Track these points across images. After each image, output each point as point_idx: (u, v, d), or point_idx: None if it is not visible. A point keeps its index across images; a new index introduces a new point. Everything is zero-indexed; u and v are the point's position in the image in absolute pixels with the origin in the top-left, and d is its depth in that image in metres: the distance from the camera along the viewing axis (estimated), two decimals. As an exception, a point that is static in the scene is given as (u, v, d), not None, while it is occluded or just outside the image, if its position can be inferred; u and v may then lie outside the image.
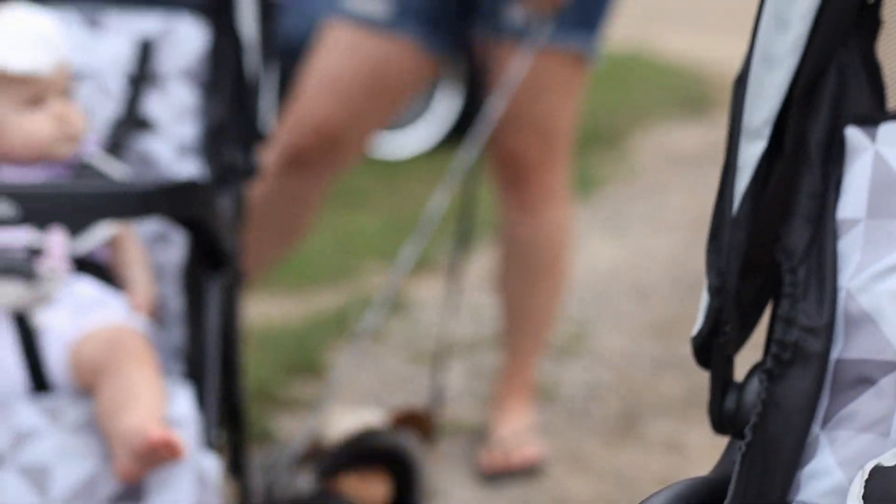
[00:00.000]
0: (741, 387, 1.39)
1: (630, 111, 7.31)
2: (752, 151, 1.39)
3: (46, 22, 2.24)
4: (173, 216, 1.96)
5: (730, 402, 1.39)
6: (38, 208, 1.88)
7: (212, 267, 2.19)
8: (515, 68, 2.86)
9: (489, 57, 2.98)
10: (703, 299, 1.40)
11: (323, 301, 4.39)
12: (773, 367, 1.36)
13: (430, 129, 6.65)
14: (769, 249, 1.38)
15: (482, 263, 4.93)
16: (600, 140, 6.31)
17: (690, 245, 4.89)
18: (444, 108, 6.19)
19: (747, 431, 1.35)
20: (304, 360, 3.83)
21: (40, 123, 2.23)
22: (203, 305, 2.20)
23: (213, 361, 2.13)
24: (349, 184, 4.96)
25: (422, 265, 4.80)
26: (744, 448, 1.35)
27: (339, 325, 4.12)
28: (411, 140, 6.21)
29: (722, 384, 1.39)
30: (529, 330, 3.26)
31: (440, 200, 2.90)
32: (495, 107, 2.91)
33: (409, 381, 3.71)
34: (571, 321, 4.09)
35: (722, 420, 1.40)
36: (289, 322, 4.12)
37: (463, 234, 3.03)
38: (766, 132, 1.39)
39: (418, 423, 3.06)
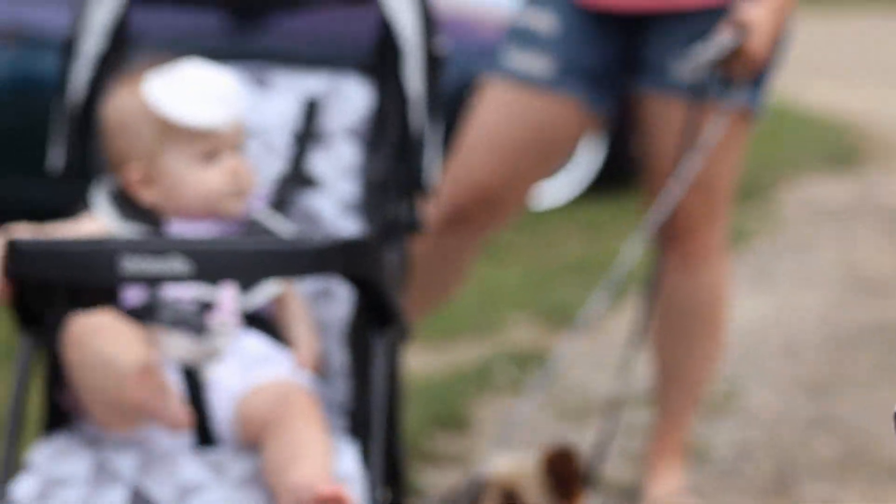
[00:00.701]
0: None
1: (777, 164, 7.23)
2: None
3: (225, 78, 2.28)
4: (345, 274, 1.97)
5: None
6: (212, 265, 1.90)
7: (379, 323, 2.19)
8: (710, 129, 2.83)
9: (650, 112, 2.96)
10: None
11: (466, 354, 4.38)
12: None
13: (572, 180, 6.63)
14: None
15: (627, 317, 4.88)
16: (747, 193, 6.24)
17: (840, 301, 4.80)
18: (587, 160, 6.17)
19: None
20: (448, 413, 3.82)
21: (214, 178, 2.26)
22: (369, 362, 2.20)
23: (379, 418, 2.13)
24: (491, 235, 4.96)
25: (564, 319, 4.77)
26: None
27: (482, 379, 4.10)
28: (553, 191, 6.20)
29: None
30: (685, 389, 3.20)
31: (633, 250, 2.86)
32: (692, 168, 2.88)
33: (553, 438, 3.67)
34: (721, 378, 4.03)
35: None
36: (432, 375, 4.12)
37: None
38: None
39: (566, 465, 2.98)
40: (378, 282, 2.07)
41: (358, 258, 1.98)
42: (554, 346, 4.49)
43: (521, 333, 4.61)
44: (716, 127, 2.84)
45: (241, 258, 1.89)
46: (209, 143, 2.26)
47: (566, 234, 6.18)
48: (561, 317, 4.76)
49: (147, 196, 2.29)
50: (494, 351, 4.37)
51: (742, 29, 2.80)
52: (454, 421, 3.76)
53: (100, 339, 2.10)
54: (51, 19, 5.61)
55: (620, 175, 6.88)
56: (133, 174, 2.29)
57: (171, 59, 2.30)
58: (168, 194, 2.28)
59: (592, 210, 6.50)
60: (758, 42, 2.80)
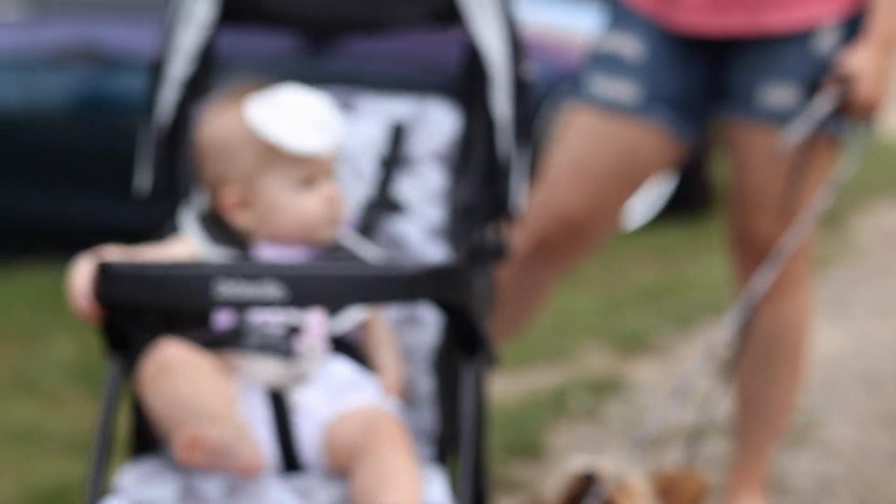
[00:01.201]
0: None
1: (851, 190, 7.13)
2: None
3: (324, 104, 2.27)
4: (436, 300, 1.95)
5: None
6: (306, 291, 1.88)
7: (468, 350, 2.17)
8: (800, 158, 2.80)
9: (738, 139, 2.92)
10: None
11: (540, 380, 4.35)
12: None
13: (643, 206, 6.59)
14: None
15: (700, 344, 4.83)
16: (822, 220, 6.16)
17: (918, 331, 4.72)
18: (658, 185, 6.12)
19: None
20: (522, 440, 3.79)
21: (312, 205, 2.25)
22: (457, 389, 2.18)
23: (468, 447, 2.10)
24: (577, 263, 4.94)
25: (637, 345, 4.73)
26: None
27: (556, 405, 4.07)
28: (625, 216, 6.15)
29: None
30: (766, 419, 3.15)
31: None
32: (822, 202, 2.85)
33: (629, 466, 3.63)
34: (799, 409, 3.97)
35: None
36: (506, 402, 4.09)
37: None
38: None
39: (683, 490, 2.92)
40: (468, 308, 2.05)
41: (449, 284, 1.96)
42: (628, 373, 4.45)
43: (594, 360, 4.57)
44: (806, 155, 2.81)
45: (335, 284, 1.88)
46: (308, 169, 2.25)
47: (637, 259, 6.14)
48: (634, 344, 4.72)
49: (242, 220, 2.28)
50: (568, 378, 4.34)
51: (847, 82, 2.76)
52: (528, 448, 3.73)
53: (178, 377, 2.09)
54: (128, 40, 5.67)
55: (690, 200, 6.84)
56: (230, 197, 2.28)
57: (264, 83, 2.30)
58: (264, 218, 2.27)
59: (663, 236, 6.45)
60: (867, 88, 2.76)
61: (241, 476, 2.09)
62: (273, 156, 2.25)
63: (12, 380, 4.20)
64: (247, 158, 2.26)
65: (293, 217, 2.26)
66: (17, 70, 5.67)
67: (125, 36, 5.70)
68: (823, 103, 2.76)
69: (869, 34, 2.79)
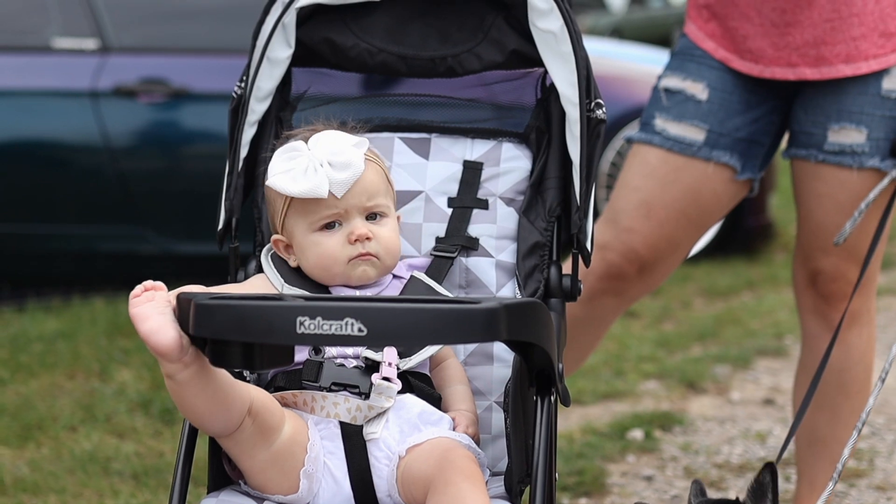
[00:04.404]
0: None
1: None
2: None
3: (339, 146, 2.30)
4: (512, 338, 1.97)
5: None
6: (386, 330, 1.90)
7: (541, 387, 2.20)
8: (868, 197, 2.83)
9: (806, 178, 2.95)
10: None
11: (598, 415, 4.37)
12: None
13: (706, 243, 6.59)
14: None
15: (758, 382, 4.83)
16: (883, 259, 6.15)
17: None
18: (721, 223, 6.13)
19: None
20: (582, 474, 3.80)
21: (332, 245, 2.31)
22: (530, 425, 2.20)
23: (541, 483, 2.12)
24: (642, 300, 4.96)
25: (693, 382, 4.74)
26: None
27: (615, 441, 4.09)
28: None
29: None
30: (827, 454, 3.16)
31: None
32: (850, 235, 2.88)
33: (681, 501, 3.64)
34: (858, 446, 3.97)
35: None
36: (564, 435, 4.11)
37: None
38: None
39: None
40: (542, 346, 2.07)
41: (525, 322, 1.98)
42: (684, 409, 4.46)
43: (652, 397, 4.58)
44: (874, 194, 2.83)
45: (414, 323, 1.90)
46: (325, 212, 2.30)
47: (688, 296, 6.14)
48: (689, 380, 4.73)
49: (293, 263, 2.36)
50: (626, 413, 4.35)
51: None
52: (588, 483, 3.75)
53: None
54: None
55: (751, 239, 6.84)
56: (278, 241, 2.38)
57: (331, 125, 2.36)
58: (301, 262, 2.34)
59: (709, 274, 6.46)
60: None
61: (149, 343, 2.03)
62: (294, 202, 2.32)
63: (81, 410, 4.26)
64: (277, 203, 2.35)
65: (316, 258, 2.31)
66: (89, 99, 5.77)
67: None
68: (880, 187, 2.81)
69: None
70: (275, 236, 2.38)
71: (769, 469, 2.22)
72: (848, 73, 2.84)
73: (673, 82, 2.98)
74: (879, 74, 2.85)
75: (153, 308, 2.02)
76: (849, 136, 2.86)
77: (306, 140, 2.32)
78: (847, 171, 2.87)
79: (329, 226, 2.32)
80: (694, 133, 2.93)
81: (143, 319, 2.01)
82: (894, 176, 2.83)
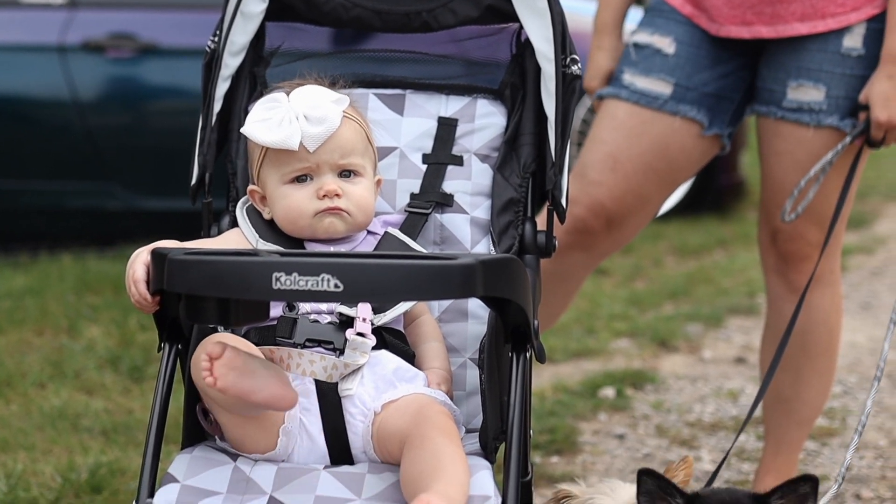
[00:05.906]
0: None
1: (876, 191, 7.15)
2: None
3: (315, 100, 2.28)
4: (488, 294, 1.97)
5: None
6: (362, 285, 1.89)
7: (517, 344, 2.19)
8: (829, 157, 2.84)
9: (767, 135, 2.96)
10: None
11: (569, 374, 4.38)
12: None
13: (675, 200, 6.60)
14: None
15: (730, 341, 4.85)
16: (850, 220, 6.19)
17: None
18: (691, 180, 6.13)
19: None
20: (554, 432, 3.81)
21: (301, 199, 2.29)
22: (506, 382, 2.20)
23: (516, 439, 2.13)
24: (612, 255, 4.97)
25: (665, 341, 4.75)
26: None
27: (586, 399, 4.10)
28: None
29: None
30: (794, 414, 3.18)
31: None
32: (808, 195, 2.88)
33: (653, 459, 3.66)
34: (830, 405, 4.00)
35: None
36: (536, 393, 4.12)
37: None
38: None
39: None
40: (518, 302, 2.07)
41: (501, 278, 1.98)
42: (656, 368, 4.47)
43: (623, 355, 4.60)
44: (835, 154, 2.83)
45: (391, 279, 1.89)
46: (297, 165, 2.29)
47: (660, 254, 6.15)
48: (661, 338, 4.75)
49: (266, 215, 2.35)
50: (598, 371, 4.36)
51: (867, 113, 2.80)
52: (560, 441, 3.76)
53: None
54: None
55: (722, 197, 6.85)
56: (254, 192, 2.36)
57: (320, 81, 2.34)
58: (272, 214, 2.33)
59: (680, 232, 6.47)
60: (887, 113, 2.79)
61: (272, 408, 2.09)
62: (269, 152, 2.30)
63: (50, 366, 4.24)
64: (255, 153, 2.34)
65: (283, 210, 2.30)
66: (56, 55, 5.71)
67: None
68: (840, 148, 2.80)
69: (884, 58, 2.81)
70: (251, 186, 2.37)
71: (809, 480, 2.15)
72: (804, 31, 2.84)
73: (642, 37, 2.98)
74: (840, 32, 2.85)
75: (248, 374, 2.04)
76: (807, 93, 2.86)
77: (288, 92, 2.30)
78: (805, 128, 2.88)
79: (300, 179, 2.30)
80: (661, 87, 2.93)
81: (253, 392, 2.04)
82: (855, 134, 2.83)
